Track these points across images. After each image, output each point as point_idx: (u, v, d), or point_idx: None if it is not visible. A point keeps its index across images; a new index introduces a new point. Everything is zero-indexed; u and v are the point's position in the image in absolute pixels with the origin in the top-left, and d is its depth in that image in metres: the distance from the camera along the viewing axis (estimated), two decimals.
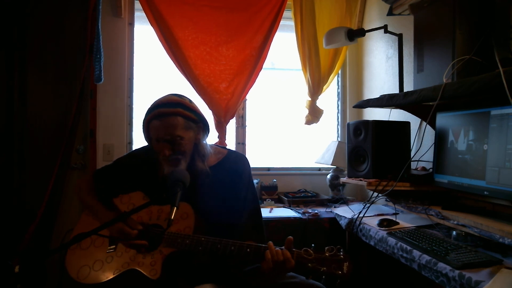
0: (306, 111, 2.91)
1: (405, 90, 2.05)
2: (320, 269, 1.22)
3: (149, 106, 1.52)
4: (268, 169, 3.08)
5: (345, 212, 2.28)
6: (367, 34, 2.41)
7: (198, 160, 1.52)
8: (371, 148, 1.97)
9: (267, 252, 1.30)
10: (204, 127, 1.54)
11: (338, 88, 3.25)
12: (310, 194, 2.86)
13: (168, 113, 1.44)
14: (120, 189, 1.61)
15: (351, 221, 2.06)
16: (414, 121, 2.16)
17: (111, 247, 1.51)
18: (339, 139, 3.17)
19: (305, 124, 2.94)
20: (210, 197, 1.53)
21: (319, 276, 1.28)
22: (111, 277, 1.43)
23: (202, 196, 1.52)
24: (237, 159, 1.65)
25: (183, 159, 1.47)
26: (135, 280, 1.42)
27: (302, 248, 1.31)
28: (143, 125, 1.52)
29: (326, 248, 1.26)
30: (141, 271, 1.41)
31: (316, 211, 2.45)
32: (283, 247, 1.31)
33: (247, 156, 2.95)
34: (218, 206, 1.53)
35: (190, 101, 1.53)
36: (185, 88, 2.74)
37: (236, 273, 1.50)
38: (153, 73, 2.97)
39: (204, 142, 1.55)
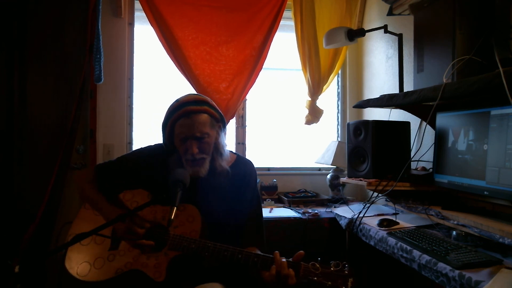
0: (306, 111, 2.91)
1: (405, 90, 2.05)
2: (325, 284, 1.25)
3: (171, 106, 1.52)
4: (268, 169, 3.08)
5: (345, 212, 2.28)
6: (367, 34, 2.41)
7: (217, 159, 1.53)
8: (371, 148, 1.97)
9: (272, 267, 1.29)
10: (223, 127, 1.57)
11: (338, 88, 3.25)
12: (310, 194, 2.86)
13: (197, 110, 1.46)
14: (124, 186, 1.60)
15: (351, 221, 2.06)
16: (414, 121, 2.16)
17: (114, 245, 1.50)
18: (339, 139, 3.17)
19: (305, 124, 2.94)
20: (220, 201, 1.54)
21: None
22: (112, 276, 1.42)
23: (213, 199, 1.53)
24: (246, 164, 1.68)
25: (207, 158, 1.49)
26: (138, 281, 1.41)
27: (302, 248, 1.31)
28: (165, 125, 1.51)
29: (331, 262, 1.28)
30: (145, 272, 1.40)
31: (316, 211, 2.45)
32: (290, 259, 1.30)
33: (247, 156, 2.97)
34: (227, 211, 1.53)
35: (211, 100, 1.56)
36: (185, 88, 2.74)
37: (240, 276, 1.50)
38: (153, 73, 2.97)
39: (222, 141, 1.57)
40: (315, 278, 1.26)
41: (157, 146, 1.63)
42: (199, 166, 1.46)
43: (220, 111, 1.56)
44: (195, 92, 1.59)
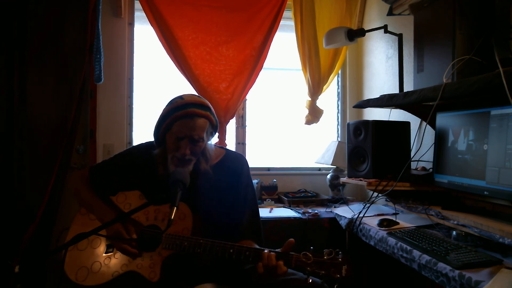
0: (306, 111, 2.91)
1: (405, 90, 2.05)
2: (319, 273, 1.23)
3: (173, 102, 1.51)
4: (268, 169, 3.08)
5: (345, 212, 2.28)
6: (367, 34, 2.41)
7: (202, 161, 1.53)
8: (371, 148, 1.97)
9: (260, 264, 1.29)
10: (214, 132, 1.59)
11: (338, 88, 3.25)
12: (310, 194, 2.86)
13: (201, 114, 1.48)
14: (119, 186, 1.60)
15: (351, 221, 2.06)
16: (414, 121, 2.16)
17: (109, 248, 1.50)
18: (339, 139, 3.17)
19: (305, 124, 2.94)
20: (210, 196, 1.54)
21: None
22: (110, 279, 1.42)
23: (201, 196, 1.52)
24: (236, 159, 1.67)
25: (193, 160, 1.50)
26: (135, 282, 1.41)
27: (301, 248, 1.31)
28: (164, 120, 1.50)
29: (324, 251, 1.26)
30: (141, 273, 1.40)
31: (316, 211, 2.45)
32: (279, 250, 1.30)
33: (247, 156, 2.97)
34: (217, 206, 1.53)
35: (212, 107, 1.58)
36: (185, 88, 2.74)
37: (234, 272, 1.50)
38: (153, 73, 2.97)
39: (210, 145, 1.58)
40: (308, 268, 1.24)
41: (148, 144, 1.63)
42: (183, 165, 1.46)
43: (217, 119, 1.59)
44: (197, 94, 1.60)
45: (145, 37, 2.90)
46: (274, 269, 1.26)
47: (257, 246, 1.41)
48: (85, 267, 1.46)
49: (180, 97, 1.52)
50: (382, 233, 1.74)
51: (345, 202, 2.63)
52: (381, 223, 1.83)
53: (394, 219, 1.88)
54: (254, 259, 1.31)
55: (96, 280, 1.43)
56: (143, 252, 1.43)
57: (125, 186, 1.59)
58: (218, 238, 1.38)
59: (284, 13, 2.85)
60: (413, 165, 2.09)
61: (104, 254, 1.49)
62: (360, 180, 2.01)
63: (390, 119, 2.39)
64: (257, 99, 3.08)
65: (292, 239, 1.31)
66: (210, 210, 1.52)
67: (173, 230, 1.42)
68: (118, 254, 1.47)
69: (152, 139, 1.60)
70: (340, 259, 1.24)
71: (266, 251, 1.29)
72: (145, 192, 1.56)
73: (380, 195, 1.90)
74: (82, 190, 1.58)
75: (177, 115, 1.46)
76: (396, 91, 2.21)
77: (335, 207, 2.55)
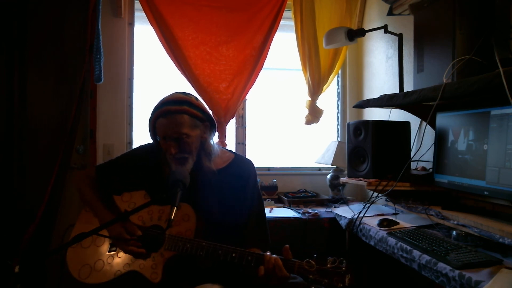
0: (306, 111, 2.91)
1: (405, 90, 2.05)
2: (322, 281, 1.22)
3: (155, 104, 1.51)
4: (268, 169, 3.07)
5: (345, 212, 2.28)
6: (367, 34, 2.41)
7: (204, 159, 1.52)
8: (371, 148, 1.97)
9: (261, 267, 1.29)
10: (210, 126, 1.54)
11: (338, 88, 3.25)
12: (310, 194, 2.86)
13: (175, 110, 1.44)
14: (123, 186, 1.60)
15: (351, 221, 2.06)
16: (414, 121, 2.16)
17: (113, 247, 1.51)
18: (339, 139, 3.17)
19: (305, 124, 2.94)
20: (216, 200, 1.53)
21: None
22: (112, 278, 1.42)
23: (207, 198, 1.52)
24: (244, 163, 1.66)
25: (190, 157, 1.47)
26: (136, 282, 1.41)
27: (302, 248, 1.31)
28: (149, 123, 1.51)
29: (328, 259, 1.25)
30: (143, 273, 1.40)
31: (316, 211, 2.45)
32: (282, 257, 1.30)
33: (247, 156, 2.96)
34: (223, 210, 1.53)
35: (196, 99, 1.54)
36: (185, 88, 2.73)
37: (236, 275, 1.50)
38: (153, 73, 2.97)
39: (211, 141, 1.56)
40: (311, 276, 1.23)
41: (152, 144, 1.63)
42: (180, 164, 1.45)
43: (206, 111, 1.53)
44: (182, 91, 1.57)
45: (145, 37, 2.90)
46: (273, 270, 1.26)
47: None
48: (88, 264, 1.46)
49: (161, 99, 1.52)
50: (382, 233, 1.74)
51: (345, 202, 2.63)
52: (381, 223, 1.83)
53: (394, 219, 1.88)
54: (256, 264, 1.31)
55: (99, 278, 1.43)
56: (150, 253, 1.43)
57: (128, 187, 1.59)
58: (222, 241, 1.38)
59: (284, 13, 2.84)
60: (413, 165, 2.09)
61: (107, 253, 1.49)
62: (360, 180, 2.01)
63: (390, 119, 2.39)
64: (257, 99, 3.08)
65: (287, 245, 1.30)
66: (214, 213, 1.51)
67: (176, 231, 1.42)
68: (121, 253, 1.47)
69: None
70: (343, 268, 1.22)
71: (267, 256, 1.29)
72: (149, 192, 1.56)
73: (380, 195, 1.90)
74: (83, 190, 1.58)
75: (154, 116, 1.47)
76: (396, 91, 2.21)
77: (335, 207, 2.55)
